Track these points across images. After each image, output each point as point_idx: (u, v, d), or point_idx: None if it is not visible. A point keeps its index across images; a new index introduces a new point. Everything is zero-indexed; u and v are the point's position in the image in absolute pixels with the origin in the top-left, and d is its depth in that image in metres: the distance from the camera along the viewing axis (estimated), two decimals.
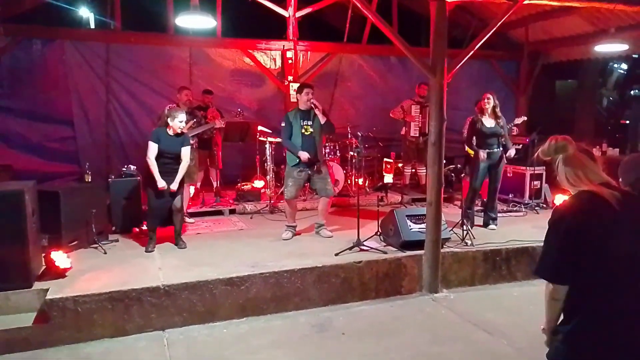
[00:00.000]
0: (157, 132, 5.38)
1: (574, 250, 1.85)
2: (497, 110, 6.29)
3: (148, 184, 5.37)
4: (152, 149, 5.24)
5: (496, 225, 6.41)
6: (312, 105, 5.71)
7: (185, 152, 5.40)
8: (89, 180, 5.99)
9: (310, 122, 5.78)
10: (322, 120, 5.75)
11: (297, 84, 8.95)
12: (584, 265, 1.85)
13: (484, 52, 8.86)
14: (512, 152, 6.51)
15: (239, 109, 7.31)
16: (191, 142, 6.43)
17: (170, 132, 5.33)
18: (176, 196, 5.39)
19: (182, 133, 5.46)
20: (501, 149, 6.36)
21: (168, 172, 5.29)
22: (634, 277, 1.84)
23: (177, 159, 5.38)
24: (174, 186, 5.30)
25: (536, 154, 2.00)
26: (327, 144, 8.13)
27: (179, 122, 5.31)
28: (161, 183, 5.21)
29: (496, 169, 6.36)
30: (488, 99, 6.25)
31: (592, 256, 1.83)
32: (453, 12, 5.23)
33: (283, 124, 5.85)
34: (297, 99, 5.90)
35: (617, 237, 1.82)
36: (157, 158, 5.26)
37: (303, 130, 5.73)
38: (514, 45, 10.67)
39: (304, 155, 5.69)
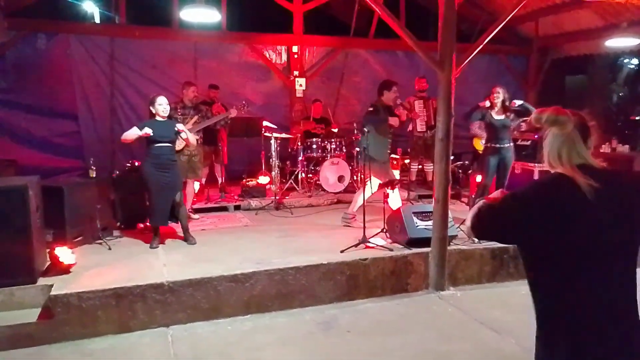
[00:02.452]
0: (145, 122, 5.30)
1: (524, 230, 1.73)
2: (507, 104, 6.22)
3: (146, 181, 5.30)
4: (131, 130, 5.17)
5: None
6: (399, 105, 5.90)
7: (182, 127, 5.38)
8: (94, 175, 5.98)
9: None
10: (403, 118, 6.04)
11: (303, 79, 8.96)
12: (554, 259, 1.72)
13: (492, 46, 8.76)
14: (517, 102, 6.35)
15: (243, 102, 7.26)
16: (196, 137, 6.40)
17: (159, 119, 5.26)
18: (177, 191, 5.34)
19: (171, 118, 5.46)
20: (511, 144, 6.30)
21: (166, 166, 5.20)
22: (604, 269, 1.70)
23: (173, 148, 5.31)
24: (180, 126, 5.32)
25: (531, 117, 1.85)
26: (332, 140, 8.09)
27: (159, 105, 5.23)
28: (147, 130, 5.06)
29: (506, 165, 6.30)
30: (497, 92, 6.17)
31: (563, 250, 1.70)
32: (462, 5, 5.15)
33: (371, 109, 5.96)
34: (384, 94, 6.01)
35: (585, 227, 1.69)
36: (153, 149, 5.16)
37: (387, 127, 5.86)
38: (524, 39, 10.56)
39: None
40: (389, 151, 6.36)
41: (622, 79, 12.89)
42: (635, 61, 12.67)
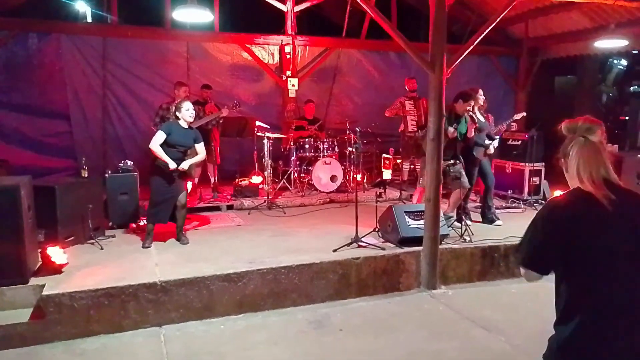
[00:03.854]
0: (170, 124, 5.35)
1: (556, 245, 1.84)
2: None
3: (154, 178, 5.29)
4: (159, 137, 5.15)
5: (499, 219, 6.44)
6: (469, 117, 5.85)
7: (201, 149, 5.42)
8: (86, 175, 5.96)
9: (458, 127, 5.88)
10: (470, 134, 5.92)
11: (296, 79, 8.98)
12: (572, 265, 1.83)
13: (483, 47, 8.82)
14: (494, 145, 6.50)
15: (235, 101, 7.27)
16: None
17: (184, 125, 5.31)
18: (181, 192, 5.36)
19: (163, 119, 5.50)
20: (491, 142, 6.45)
21: (175, 171, 5.23)
22: (625, 279, 1.80)
23: (185, 154, 5.33)
24: (185, 166, 5.24)
25: (561, 126, 1.92)
26: (325, 140, 8.12)
27: (185, 110, 5.27)
28: (172, 164, 5.12)
29: (485, 165, 6.43)
30: (481, 93, 6.30)
31: (579, 256, 1.82)
32: (452, 7, 5.19)
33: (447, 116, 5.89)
34: (458, 102, 5.90)
35: (606, 238, 1.80)
36: (167, 152, 5.17)
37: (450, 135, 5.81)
38: (514, 40, 10.64)
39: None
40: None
41: (611, 80, 13.04)
42: (623, 62, 12.82)
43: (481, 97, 6.31)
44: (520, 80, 10.65)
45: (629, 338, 1.80)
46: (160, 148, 5.14)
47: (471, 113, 5.87)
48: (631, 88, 13.14)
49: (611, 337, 1.80)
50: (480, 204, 6.98)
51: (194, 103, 6.98)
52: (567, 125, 1.92)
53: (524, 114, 8.07)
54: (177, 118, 5.31)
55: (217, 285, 4.48)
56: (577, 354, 1.85)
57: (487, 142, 6.35)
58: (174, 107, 5.49)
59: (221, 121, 7.30)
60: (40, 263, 4.55)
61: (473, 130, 5.94)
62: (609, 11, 8.24)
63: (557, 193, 6.99)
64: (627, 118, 11.82)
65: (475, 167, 6.34)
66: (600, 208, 1.78)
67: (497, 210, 6.69)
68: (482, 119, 6.31)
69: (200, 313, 4.43)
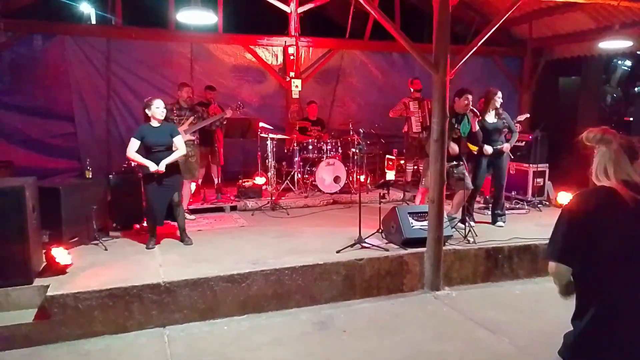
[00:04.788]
0: (141, 128, 5.25)
1: (579, 238, 1.89)
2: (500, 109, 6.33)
3: (144, 182, 5.33)
4: (133, 145, 5.12)
5: (504, 222, 6.40)
6: (471, 112, 5.83)
7: (179, 142, 5.28)
8: (90, 176, 5.96)
9: (460, 127, 5.86)
10: (475, 128, 5.92)
11: (299, 80, 8.97)
12: (592, 260, 1.88)
13: (487, 48, 8.82)
14: (506, 146, 6.44)
15: (239, 102, 7.28)
16: (192, 137, 6.41)
17: (155, 124, 5.21)
18: (174, 191, 5.35)
19: (167, 119, 5.40)
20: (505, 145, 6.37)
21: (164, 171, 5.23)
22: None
23: (170, 152, 5.24)
24: (162, 167, 5.12)
25: (582, 135, 2.03)
26: (329, 141, 8.12)
27: (156, 108, 5.16)
28: (152, 167, 5.07)
29: (500, 166, 6.35)
30: (499, 96, 6.25)
31: (597, 250, 1.86)
32: (456, 8, 5.18)
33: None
34: (455, 102, 5.87)
35: (629, 236, 1.85)
36: (147, 154, 5.15)
37: (453, 134, 5.79)
38: (518, 41, 10.62)
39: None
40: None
41: (616, 81, 12.98)
42: (628, 63, 12.77)
43: (499, 99, 6.26)
44: (525, 81, 10.63)
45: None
46: (136, 154, 5.10)
47: (471, 107, 5.86)
48: (635, 89, 13.07)
49: (623, 334, 1.83)
50: (484, 205, 6.97)
51: (198, 104, 7.04)
52: (584, 135, 2.03)
53: (528, 115, 8.06)
54: (148, 117, 5.21)
55: (221, 286, 4.48)
56: (588, 349, 1.89)
57: (499, 144, 6.30)
58: (144, 106, 5.33)
59: (225, 122, 7.31)
60: (44, 264, 4.57)
61: (477, 123, 5.96)
62: (613, 12, 8.22)
63: (561, 194, 6.97)
64: (631, 119, 11.77)
65: (479, 169, 6.30)
66: (624, 206, 1.84)
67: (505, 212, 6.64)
68: (495, 120, 6.27)
69: (204, 314, 4.43)
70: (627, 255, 1.84)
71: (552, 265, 1.95)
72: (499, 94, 6.28)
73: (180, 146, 5.29)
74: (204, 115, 6.77)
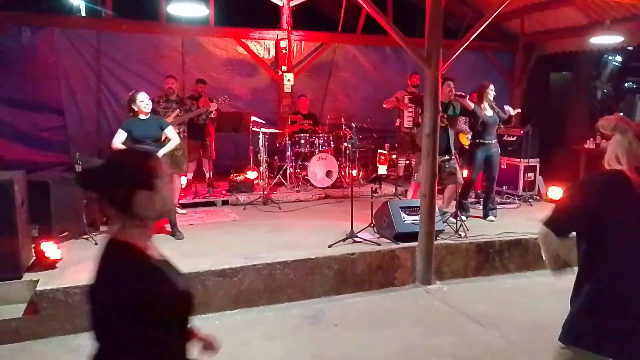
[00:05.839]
0: (128, 120, 5.20)
1: (577, 213, 1.98)
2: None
3: None
4: (119, 136, 5.08)
5: (496, 216, 6.43)
6: (456, 98, 5.85)
7: (171, 133, 5.26)
8: (80, 170, 5.91)
9: (446, 115, 5.83)
10: (470, 107, 6.00)
11: (291, 74, 8.95)
12: (594, 239, 1.95)
13: (479, 43, 8.81)
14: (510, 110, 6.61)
15: (225, 96, 7.24)
16: (178, 130, 6.37)
17: (142, 116, 5.17)
18: None
19: (153, 111, 5.36)
20: (496, 140, 6.42)
21: None
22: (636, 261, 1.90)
23: (159, 144, 5.21)
24: (168, 130, 5.18)
25: (598, 123, 2.07)
26: (320, 135, 8.10)
27: (140, 102, 5.10)
28: (121, 134, 5.04)
29: (494, 160, 6.41)
30: (492, 89, 6.29)
31: (603, 233, 1.92)
32: (448, 2, 5.19)
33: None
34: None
35: (629, 217, 1.91)
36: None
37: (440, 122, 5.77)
38: (509, 36, 10.64)
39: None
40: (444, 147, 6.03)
41: (606, 76, 13.05)
42: (618, 58, 12.84)
43: (492, 92, 6.30)
44: (516, 75, 10.66)
45: (633, 317, 1.87)
46: (122, 145, 5.04)
47: (455, 92, 5.91)
48: (626, 84, 13.16)
49: (617, 312, 1.89)
50: (476, 199, 7.00)
51: (188, 97, 6.99)
52: (600, 123, 2.07)
53: (519, 110, 8.08)
54: (134, 111, 5.14)
55: (213, 281, 4.47)
56: (580, 327, 1.95)
57: (494, 139, 6.36)
58: (130, 99, 5.26)
59: (212, 115, 7.23)
60: (34, 258, 4.53)
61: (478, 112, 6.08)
62: (604, 7, 8.26)
63: (552, 189, 7.00)
64: (621, 114, 11.83)
65: (476, 163, 6.32)
66: (631, 189, 1.89)
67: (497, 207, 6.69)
68: (492, 114, 6.30)
69: (195, 308, 4.41)
70: (630, 241, 1.90)
71: (541, 228, 2.05)
72: (492, 87, 6.34)
73: (172, 137, 5.27)
74: (192, 109, 6.73)
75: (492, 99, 6.30)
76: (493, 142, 6.35)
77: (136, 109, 5.13)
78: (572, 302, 2.02)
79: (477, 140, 6.33)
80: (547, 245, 2.05)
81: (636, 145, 1.98)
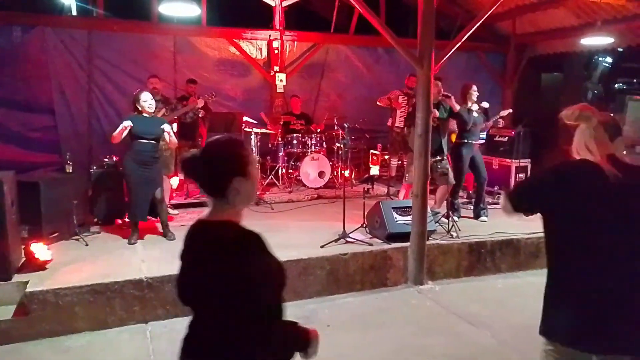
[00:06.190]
0: (131, 116, 5.23)
1: (541, 194, 1.99)
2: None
3: (126, 176, 5.27)
4: (121, 125, 5.10)
5: (487, 216, 6.46)
6: (443, 97, 5.84)
7: (169, 129, 5.31)
8: (70, 170, 5.86)
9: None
10: (456, 108, 6.00)
11: (284, 74, 8.94)
12: (562, 228, 1.93)
13: (471, 43, 8.83)
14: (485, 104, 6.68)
15: (212, 92, 7.21)
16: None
17: (145, 115, 5.21)
18: (157, 186, 5.30)
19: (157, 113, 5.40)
20: (479, 142, 6.55)
21: (148, 162, 5.18)
22: (614, 256, 1.85)
23: (157, 145, 5.25)
24: (167, 127, 5.24)
25: (561, 113, 2.05)
26: (313, 135, 8.10)
27: (143, 102, 5.17)
28: (125, 123, 5.03)
29: (477, 160, 6.48)
30: (475, 90, 6.32)
31: (575, 223, 1.90)
32: (441, 3, 5.20)
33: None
34: None
35: (601, 208, 1.86)
36: (135, 144, 5.12)
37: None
38: (501, 37, 10.69)
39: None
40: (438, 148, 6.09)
41: (597, 77, 13.16)
42: (609, 59, 12.95)
43: (475, 92, 6.34)
44: (508, 76, 10.71)
45: (616, 314, 1.85)
46: (120, 136, 5.07)
47: (443, 92, 5.94)
48: (616, 85, 13.27)
49: (590, 304, 1.87)
50: (467, 200, 7.03)
51: (179, 98, 6.96)
52: (563, 113, 2.05)
53: (510, 110, 8.14)
54: (139, 110, 5.21)
55: None
56: (556, 321, 1.94)
57: (478, 139, 6.43)
58: (134, 99, 5.34)
59: (199, 113, 7.16)
60: (23, 259, 4.49)
61: (464, 114, 6.11)
62: (595, 8, 8.31)
63: None
64: (612, 115, 11.94)
65: (463, 163, 6.36)
66: (603, 180, 1.84)
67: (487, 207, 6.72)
68: (476, 115, 6.34)
69: (187, 310, 4.39)
70: (605, 235, 1.85)
71: (503, 197, 2.11)
72: (475, 87, 6.39)
73: (169, 130, 5.35)
74: (177, 107, 6.71)
75: (475, 99, 6.34)
76: (476, 142, 6.43)
77: (140, 108, 5.20)
78: (547, 295, 2.01)
79: (465, 141, 6.37)
80: (507, 213, 2.12)
81: (602, 133, 1.95)
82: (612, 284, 1.85)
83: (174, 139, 5.43)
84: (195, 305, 1.65)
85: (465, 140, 6.34)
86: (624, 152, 1.99)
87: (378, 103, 8.29)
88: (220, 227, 1.61)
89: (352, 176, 8.50)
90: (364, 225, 5.69)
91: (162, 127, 5.24)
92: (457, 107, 6.08)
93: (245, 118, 7.53)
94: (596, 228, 1.86)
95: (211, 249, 1.57)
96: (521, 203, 2.06)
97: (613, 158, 1.91)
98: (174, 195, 6.86)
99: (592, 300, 1.86)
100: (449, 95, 6.04)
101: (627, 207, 1.86)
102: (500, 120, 7.98)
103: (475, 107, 6.35)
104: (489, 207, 6.71)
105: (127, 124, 5.02)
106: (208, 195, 1.64)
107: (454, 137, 7.35)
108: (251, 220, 2.01)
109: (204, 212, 1.69)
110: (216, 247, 1.56)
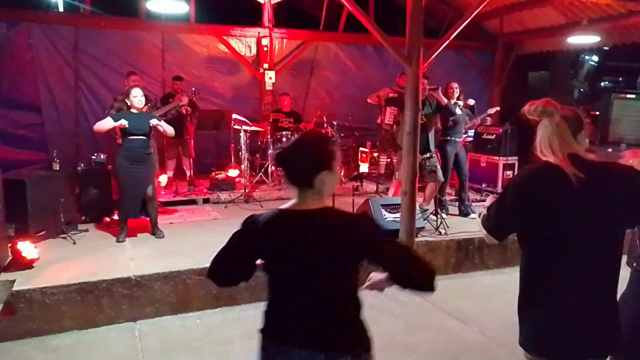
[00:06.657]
0: (121, 114, 5.21)
1: (515, 216, 1.92)
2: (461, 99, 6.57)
3: (117, 173, 5.25)
4: (104, 121, 5.08)
5: (474, 212, 6.51)
6: (429, 93, 5.85)
7: (157, 122, 5.26)
8: (57, 168, 5.83)
9: (422, 112, 5.81)
10: (443, 102, 6.01)
11: (273, 72, 8.92)
12: (535, 235, 1.90)
13: (459, 42, 8.91)
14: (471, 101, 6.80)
15: (193, 88, 7.19)
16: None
17: (134, 111, 5.18)
18: (149, 183, 5.28)
19: (120, 110, 5.37)
20: (463, 139, 6.63)
21: (139, 159, 5.15)
22: (585, 256, 1.85)
23: (148, 142, 5.23)
24: (155, 122, 5.19)
25: (522, 110, 1.98)
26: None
27: (133, 97, 5.14)
28: (123, 121, 4.99)
29: (460, 158, 6.58)
30: (456, 87, 6.38)
31: (542, 228, 1.87)
32: (429, 2, 5.23)
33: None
34: None
35: (569, 214, 1.84)
36: (126, 141, 5.10)
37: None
38: (489, 36, 10.76)
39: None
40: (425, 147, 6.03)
41: (583, 75, 13.31)
42: (595, 58, 13.09)
43: (456, 89, 6.38)
44: (495, 75, 10.79)
45: (589, 315, 1.86)
46: (103, 128, 5.06)
47: (429, 87, 5.97)
48: (602, 84, 13.43)
49: (573, 314, 1.86)
50: (455, 197, 7.07)
51: (166, 95, 6.92)
52: (526, 108, 1.98)
53: (498, 108, 8.19)
54: (127, 106, 5.20)
55: (193, 280, 4.44)
56: (529, 317, 1.98)
57: (460, 137, 6.49)
58: (125, 95, 5.33)
59: (182, 109, 7.10)
60: (10, 258, 4.45)
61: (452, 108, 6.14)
62: (581, 8, 8.40)
63: None
64: (597, 113, 12.08)
65: (448, 160, 6.42)
66: (568, 185, 1.80)
67: (472, 204, 6.78)
68: (460, 112, 6.38)
69: (175, 308, 4.39)
70: (576, 238, 1.84)
71: (484, 232, 2.06)
72: (456, 84, 6.44)
73: (159, 120, 5.33)
74: (157, 104, 6.67)
75: (456, 97, 6.40)
76: (460, 140, 6.49)
77: (129, 104, 5.16)
78: (521, 305, 2.01)
79: (449, 138, 6.42)
80: (490, 242, 2.10)
81: (565, 129, 1.88)
82: (583, 292, 1.84)
83: (169, 128, 5.37)
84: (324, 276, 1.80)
85: (449, 138, 6.40)
86: (587, 146, 1.96)
87: (368, 101, 8.30)
88: (330, 212, 1.80)
89: (342, 174, 8.51)
90: None
91: (150, 121, 5.20)
92: (445, 100, 6.12)
93: (234, 115, 7.51)
94: (566, 235, 1.84)
95: (341, 228, 1.76)
96: (502, 234, 2.01)
97: (575, 157, 1.85)
98: (162, 192, 6.82)
99: (565, 309, 1.86)
100: (436, 87, 6.06)
101: (593, 210, 1.83)
102: (488, 118, 8.04)
103: (460, 103, 6.40)
104: (476, 204, 6.77)
105: (124, 122, 4.99)
106: (294, 186, 1.79)
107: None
108: (241, 218, 2.03)
109: (287, 203, 1.85)
110: (345, 225, 1.77)
